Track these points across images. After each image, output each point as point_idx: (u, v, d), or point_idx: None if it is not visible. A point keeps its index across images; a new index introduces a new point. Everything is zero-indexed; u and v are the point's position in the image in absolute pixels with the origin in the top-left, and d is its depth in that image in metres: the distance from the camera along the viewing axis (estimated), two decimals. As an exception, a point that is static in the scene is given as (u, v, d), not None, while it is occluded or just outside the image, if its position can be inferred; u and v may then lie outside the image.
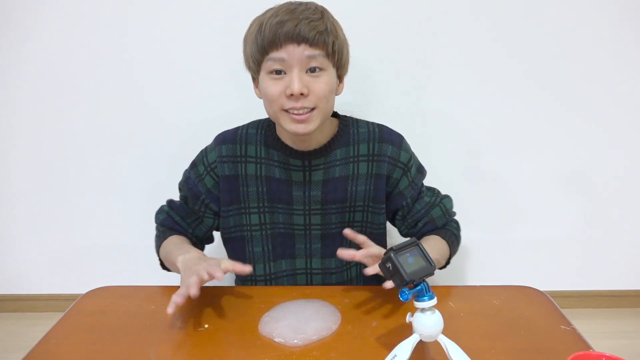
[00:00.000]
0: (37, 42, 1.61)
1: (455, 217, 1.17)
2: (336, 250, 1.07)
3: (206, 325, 0.87)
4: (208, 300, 0.96)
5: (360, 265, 1.02)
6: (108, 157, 1.72)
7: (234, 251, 1.13)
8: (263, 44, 0.92)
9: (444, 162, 1.68)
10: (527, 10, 1.54)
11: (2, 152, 1.74)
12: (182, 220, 1.13)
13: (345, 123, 1.08)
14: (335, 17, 0.99)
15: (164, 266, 1.13)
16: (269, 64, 0.93)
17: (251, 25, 0.98)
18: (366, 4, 1.52)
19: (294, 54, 0.91)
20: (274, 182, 1.06)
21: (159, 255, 1.13)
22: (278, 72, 0.93)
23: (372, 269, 0.87)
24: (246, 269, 0.89)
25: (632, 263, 1.82)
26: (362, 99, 1.60)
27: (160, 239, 1.12)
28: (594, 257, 1.81)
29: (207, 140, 1.12)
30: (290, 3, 0.95)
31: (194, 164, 1.12)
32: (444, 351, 0.72)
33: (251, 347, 0.81)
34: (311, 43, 0.90)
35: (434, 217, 1.11)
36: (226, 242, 1.13)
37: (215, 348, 0.82)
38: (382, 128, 1.09)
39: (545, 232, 1.77)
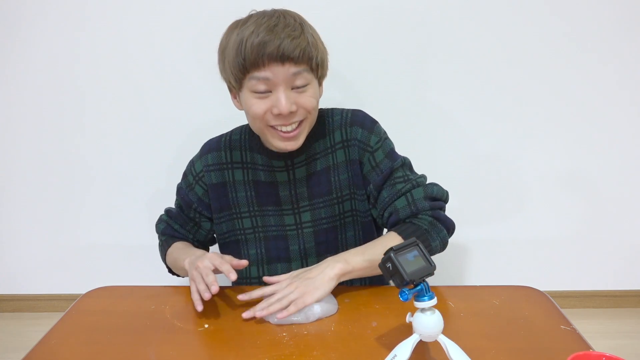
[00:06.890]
0: (40, 44, 1.61)
1: (434, 211, 1.00)
2: (331, 247, 1.07)
3: (206, 325, 0.87)
4: (208, 300, 0.96)
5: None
6: (108, 157, 1.72)
7: (231, 255, 1.13)
8: (245, 64, 0.88)
9: (443, 161, 1.68)
10: (527, 9, 1.54)
11: (3, 152, 1.74)
12: (181, 227, 1.14)
13: (320, 114, 1.05)
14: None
15: (172, 272, 1.15)
16: (252, 83, 0.91)
17: (228, 36, 0.93)
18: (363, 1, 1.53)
19: (278, 73, 0.88)
20: (261, 186, 1.07)
21: (166, 263, 1.15)
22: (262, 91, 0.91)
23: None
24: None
25: (632, 263, 1.82)
26: (354, 95, 1.60)
27: (164, 247, 1.13)
28: (594, 257, 1.81)
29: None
30: (269, 17, 0.90)
31: (184, 175, 1.13)
32: (444, 351, 0.71)
33: (251, 347, 0.81)
34: (295, 61, 0.88)
35: (397, 208, 1.00)
36: (222, 247, 1.14)
37: (215, 348, 0.82)
38: (355, 112, 1.06)
39: (545, 232, 1.77)
